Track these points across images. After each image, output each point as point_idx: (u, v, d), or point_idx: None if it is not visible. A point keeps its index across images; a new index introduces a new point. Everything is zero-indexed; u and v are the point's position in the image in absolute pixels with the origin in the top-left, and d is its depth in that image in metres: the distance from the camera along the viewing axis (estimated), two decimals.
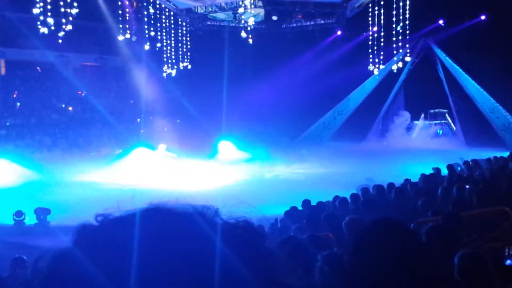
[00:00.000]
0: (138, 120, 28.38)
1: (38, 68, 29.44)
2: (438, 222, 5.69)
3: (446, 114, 32.54)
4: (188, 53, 29.69)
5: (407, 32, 27.85)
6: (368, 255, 2.03)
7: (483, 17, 29.29)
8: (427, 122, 32.67)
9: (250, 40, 27.54)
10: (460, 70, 30.54)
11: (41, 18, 22.60)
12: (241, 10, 26.11)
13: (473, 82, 30.06)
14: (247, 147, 26.09)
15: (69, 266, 0.84)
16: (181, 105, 28.31)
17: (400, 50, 28.59)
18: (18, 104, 27.83)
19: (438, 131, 32.17)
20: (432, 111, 32.69)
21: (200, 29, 30.42)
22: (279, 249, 0.96)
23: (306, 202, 10.38)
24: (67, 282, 0.83)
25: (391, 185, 10.80)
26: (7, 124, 26.49)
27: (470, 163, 14.23)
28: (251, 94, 29.06)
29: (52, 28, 22.83)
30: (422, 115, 32.89)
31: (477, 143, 25.82)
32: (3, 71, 29.25)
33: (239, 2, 26.09)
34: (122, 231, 0.85)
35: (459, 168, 14.71)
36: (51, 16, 22.70)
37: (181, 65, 29.36)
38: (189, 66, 29.65)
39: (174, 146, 25.32)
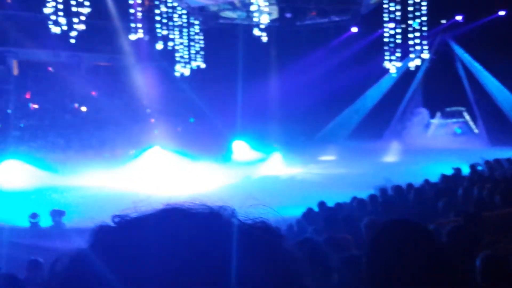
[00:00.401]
0: (152, 120, 28.37)
1: (49, 68, 29.54)
2: (460, 223, 5.58)
3: (464, 112, 32.09)
4: (201, 52, 29.55)
5: (424, 28, 27.58)
6: (384, 256, 2.02)
7: (502, 13, 28.81)
8: (443, 120, 32.27)
9: (264, 38, 27.32)
10: (480, 67, 30.09)
11: (53, 18, 22.65)
12: (254, 8, 25.87)
13: (493, 79, 29.60)
14: (261, 146, 26.02)
15: (86, 268, 0.83)
16: (194, 105, 28.23)
17: (417, 47, 28.27)
18: (36, 106, 28.00)
19: (456, 130, 31.72)
20: (448, 109, 32.29)
21: (213, 28, 30.28)
22: (297, 251, 0.92)
23: (321, 204, 10.26)
24: (84, 284, 0.82)
25: (410, 185, 10.70)
26: (21, 125, 26.59)
27: (492, 162, 14.00)
28: (265, 93, 28.92)
29: (64, 28, 22.89)
30: (438, 114, 32.48)
31: (500, 142, 25.36)
32: (15, 71, 29.37)
33: None
34: (139, 232, 0.84)
35: (479, 168, 14.46)
36: (63, 16, 22.76)
37: (194, 64, 29.24)
38: (202, 65, 29.52)
39: (187, 146, 25.29)
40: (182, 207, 0.90)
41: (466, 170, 13.56)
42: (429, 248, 2.00)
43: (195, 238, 0.83)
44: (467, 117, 31.98)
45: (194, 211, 0.89)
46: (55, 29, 22.81)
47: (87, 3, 22.98)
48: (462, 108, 32.06)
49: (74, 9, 23.00)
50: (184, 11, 28.60)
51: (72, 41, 23.91)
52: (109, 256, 0.83)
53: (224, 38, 29.32)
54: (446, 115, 32.33)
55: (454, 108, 32.28)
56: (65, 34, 23.30)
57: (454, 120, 32.13)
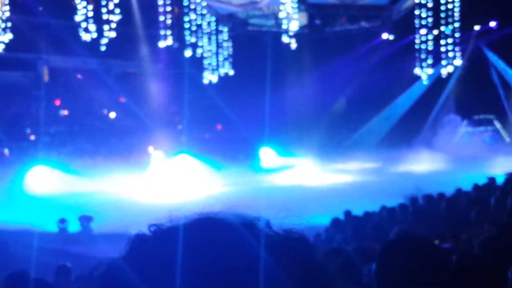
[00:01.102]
0: (179, 127, 28.52)
1: (79, 75, 30.00)
2: (493, 233, 5.36)
3: (495, 121, 31.38)
4: (229, 59, 29.64)
5: (457, 34, 27.20)
6: (391, 274, 2.01)
7: None
8: (470, 128, 31.62)
9: (293, 45, 27.25)
10: None
11: (84, 25, 22.99)
12: (283, 14, 25.85)
13: None
14: (288, 153, 25.94)
15: (122, 276, 0.85)
16: (222, 112, 28.28)
17: (450, 54, 27.90)
18: (65, 112, 28.45)
19: (486, 139, 31.03)
20: (476, 117, 31.65)
21: (242, 35, 30.36)
22: (330, 261, 0.92)
23: (347, 213, 10.21)
24: None
25: (441, 194, 10.46)
26: (51, 131, 26.99)
27: None
28: (293, 100, 28.80)
29: (94, 35, 23.21)
30: (465, 121, 31.83)
31: None
32: (46, 78, 29.87)
33: (281, 6, 25.83)
34: (174, 242, 0.85)
35: None
36: (93, 23, 23.08)
37: (222, 71, 29.33)
38: (230, 72, 29.58)
39: (214, 153, 25.35)
40: (216, 217, 0.90)
41: (500, 180, 13.20)
42: (435, 265, 1.99)
43: (229, 249, 0.84)
44: (497, 125, 31.26)
45: (228, 221, 0.89)
46: (86, 37, 23.16)
47: (117, 11, 23.23)
48: (492, 116, 31.38)
49: (104, 16, 23.30)
50: (213, 18, 28.77)
51: (102, 48, 24.22)
52: (145, 265, 0.84)
53: (253, 45, 29.39)
54: (474, 123, 31.66)
55: (482, 116, 31.63)
56: (95, 42, 23.68)
57: (482, 128, 31.41)
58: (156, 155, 26.20)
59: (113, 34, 23.66)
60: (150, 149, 25.60)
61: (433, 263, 1.98)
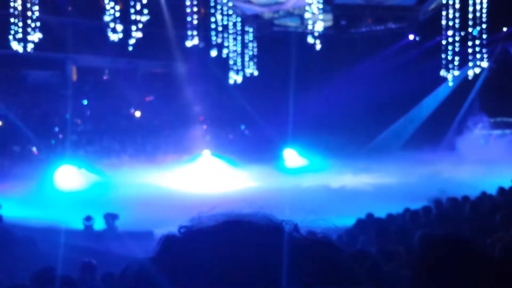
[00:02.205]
0: (204, 127, 28.69)
1: (104, 76, 30.40)
2: None
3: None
4: (255, 60, 29.73)
5: (484, 36, 26.87)
6: (432, 275, 1.92)
7: None
8: (484, 131, 31.11)
9: (318, 46, 27.20)
10: None
11: (112, 25, 23.28)
12: (308, 15, 25.83)
13: None
14: (311, 155, 25.90)
15: (153, 276, 0.86)
16: (246, 112, 28.38)
17: (477, 55, 27.56)
18: (93, 111, 28.84)
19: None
20: (493, 120, 31.16)
21: (267, 35, 30.42)
22: (355, 263, 0.93)
23: (369, 216, 10.14)
24: None
25: (466, 198, 10.44)
26: (78, 129, 27.38)
27: None
28: (318, 101, 28.72)
29: (121, 35, 23.48)
30: (480, 125, 31.31)
31: None
32: (74, 77, 30.33)
33: (307, 7, 25.83)
34: (203, 244, 0.87)
35: None
36: (121, 24, 23.35)
37: (247, 71, 29.44)
38: (255, 73, 29.66)
39: (239, 153, 25.45)
40: (245, 219, 0.92)
41: None
42: (480, 267, 1.90)
43: (257, 252, 0.86)
44: None
45: (257, 224, 0.91)
46: (113, 37, 23.42)
47: (145, 11, 23.47)
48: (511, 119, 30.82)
49: (133, 17, 23.55)
50: (239, 19, 28.90)
51: (130, 48, 24.49)
52: (174, 266, 0.86)
53: (278, 46, 29.36)
54: (491, 126, 31.10)
55: (499, 119, 31.11)
56: (122, 42, 23.93)
57: (500, 131, 30.80)
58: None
59: (139, 34, 23.89)
60: (200, 148, 25.56)
61: (479, 265, 1.91)
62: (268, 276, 0.83)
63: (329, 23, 28.97)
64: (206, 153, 25.27)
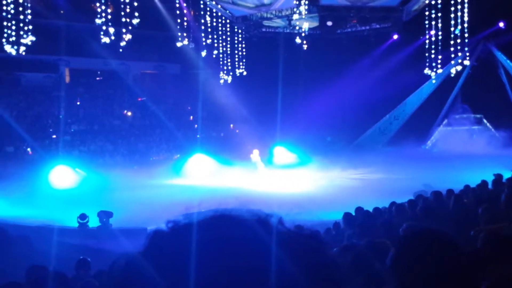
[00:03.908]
0: (196, 126, 28.81)
1: (98, 77, 30.37)
2: (499, 229, 5.70)
3: (483, 119, 31.32)
4: (244, 60, 29.99)
5: (466, 35, 27.22)
6: (408, 267, 2.01)
7: None
8: (449, 128, 31.66)
9: (305, 46, 27.54)
10: None
11: (104, 28, 23.39)
12: (296, 16, 26.15)
13: None
14: (300, 152, 26.12)
15: (141, 270, 0.89)
16: (237, 112, 28.61)
17: (459, 54, 27.93)
18: (85, 112, 28.79)
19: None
20: (458, 116, 31.72)
21: (255, 36, 30.65)
22: (340, 256, 1.01)
23: (359, 209, 10.23)
24: (139, 285, 0.88)
25: (450, 191, 10.50)
26: (71, 130, 27.42)
27: None
28: (306, 100, 29.04)
29: (113, 38, 23.56)
30: (445, 121, 31.85)
31: None
32: (67, 79, 30.35)
33: (294, 8, 26.14)
34: (190, 238, 0.89)
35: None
36: (112, 26, 23.45)
37: (237, 71, 29.71)
38: (245, 73, 29.94)
39: (229, 151, 25.64)
40: (231, 214, 0.94)
41: (507, 177, 13.36)
42: (452, 258, 1.99)
43: (243, 245, 0.88)
44: (488, 124, 31.06)
45: (243, 218, 0.93)
46: (105, 39, 23.52)
47: (136, 14, 23.63)
48: (480, 115, 31.30)
49: (123, 19, 23.70)
50: (228, 20, 29.12)
51: (121, 50, 24.59)
52: (162, 260, 0.88)
53: (266, 46, 29.62)
54: (455, 122, 31.64)
55: (465, 115, 31.64)
56: (114, 44, 23.99)
57: (467, 127, 31.27)
58: (174, 153, 26.57)
59: (129, 36, 23.99)
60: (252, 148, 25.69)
61: (451, 255, 1.99)
62: (254, 269, 0.85)
63: (316, 24, 29.25)
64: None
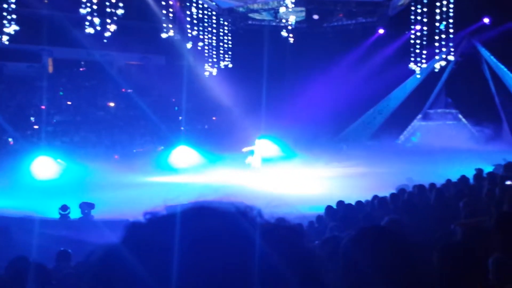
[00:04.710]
0: (180, 118, 28.76)
1: (81, 67, 30.15)
2: (478, 223, 5.71)
3: (459, 115, 31.57)
4: (229, 52, 29.92)
5: (451, 30, 27.43)
6: (357, 264, 2.06)
7: None
8: (423, 123, 31.90)
9: (291, 39, 27.56)
10: (505, 69, 29.87)
11: (88, 18, 23.21)
12: (282, 9, 26.15)
13: None
14: (284, 145, 26.15)
15: (118, 262, 0.88)
16: (221, 104, 28.57)
17: (443, 49, 28.14)
18: (69, 103, 28.56)
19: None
20: (432, 111, 31.96)
21: (241, 28, 30.61)
22: (321, 249, 1.00)
23: (340, 203, 10.26)
24: (116, 277, 0.87)
25: (432, 185, 10.55)
26: (54, 121, 27.20)
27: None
28: (291, 93, 29.06)
29: (98, 28, 23.41)
30: (419, 116, 32.06)
31: None
32: (50, 69, 30.10)
33: (280, 1, 26.13)
34: (168, 230, 0.88)
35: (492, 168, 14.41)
36: (97, 16, 23.27)
37: (222, 64, 29.62)
38: (230, 65, 29.87)
39: (213, 144, 25.61)
40: (210, 206, 0.94)
41: (488, 171, 13.48)
42: (398, 254, 2.03)
43: (221, 237, 0.87)
44: (463, 119, 31.28)
45: (222, 210, 0.93)
46: (89, 29, 23.35)
47: (121, 4, 23.46)
48: (455, 111, 31.56)
49: (108, 9, 23.53)
50: (214, 12, 29.00)
51: (105, 40, 24.42)
52: (139, 251, 0.87)
53: (252, 39, 29.54)
54: (429, 118, 31.87)
55: (440, 110, 31.90)
56: (98, 34, 23.80)
57: (440, 122, 31.48)
58: (157, 145, 26.45)
59: (114, 27, 23.83)
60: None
61: (396, 254, 2.03)
62: (233, 260, 0.85)
63: (302, 17, 29.26)
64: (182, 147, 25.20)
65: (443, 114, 31.77)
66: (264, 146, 26.75)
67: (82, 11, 23.02)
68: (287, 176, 21.04)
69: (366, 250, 2.07)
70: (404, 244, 2.10)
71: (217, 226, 0.89)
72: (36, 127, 26.31)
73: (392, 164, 21.19)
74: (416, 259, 2.07)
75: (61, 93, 28.94)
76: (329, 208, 9.83)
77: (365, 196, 11.25)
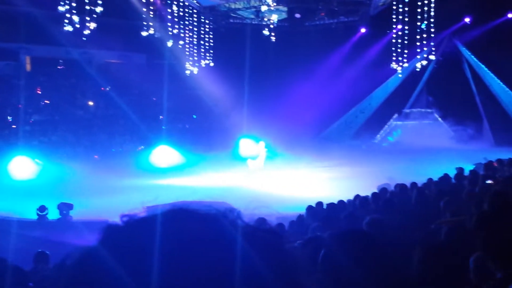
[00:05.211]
0: (161, 117, 28.58)
1: (59, 65, 29.83)
2: (460, 222, 5.59)
3: (435, 114, 31.76)
4: (211, 51, 29.75)
5: (432, 30, 27.60)
6: (337, 269, 2.11)
7: (510, 15, 28.82)
8: (399, 122, 32.07)
9: (273, 38, 27.51)
10: (486, 69, 30.12)
11: (67, 15, 22.93)
12: (264, 8, 26.07)
13: (498, 81, 29.65)
14: (267, 144, 26.09)
15: (94, 265, 0.86)
16: (203, 103, 28.40)
17: (425, 48, 28.29)
18: (47, 102, 28.23)
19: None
20: (408, 110, 32.15)
21: (223, 27, 30.49)
22: (303, 249, 0.95)
23: (319, 204, 10.23)
24: (91, 280, 0.85)
25: (413, 184, 10.63)
26: (32, 120, 26.85)
27: (495, 163, 13.98)
28: (274, 92, 28.99)
29: (77, 26, 23.15)
30: (396, 115, 32.22)
31: (505, 143, 25.43)
32: (28, 67, 29.73)
33: None
34: (146, 232, 0.87)
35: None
36: (76, 14, 23.01)
37: (203, 62, 29.44)
38: (212, 64, 29.71)
39: (195, 143, 25.46)
40: (189, 208, 0.93)
41: (468, 170, 13.55)
42: (371, 255, 2.12)
43: (200, 239, 0.86)
44: (440, 118, 31.46)
45: (200, 213, 0.92)
46: (68, 27, 23.10)
47: (100, 2, 23.21)
48: (430, 110, 31.74)
49: (87, 7, 23.27)
50: (195, 10, 28.80)
51: (84, 38, 24.16)
52: (116, 255, 0.85)
53: (234, 38, 29.43)
54: (405, 117, 32.05)
55: (416, 110, 32.08)
56: (77, 32, 23.56)
57: (415, 121, 31.65)
58: (138, 145, 26.25)
59: (94, 25, 23.60)
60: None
61: (369, 254, 2.13)
62: (210, 262, 0.83)
63: (284, 16, 29.22)
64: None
65: (419, 113, 31.92)
66: (245, 146, 26.68)
67: (61, 8, 22.81)
68: (268, 176, 20.96)
69: (346, 254, 2.13)
70: (384, 247, 2.17)
71: (195, 229, 0.88)
72: (13, 126, 25.98)
73: (373, 163, 21.22)
74: (396, 261, 2.14)
75: (39, 92, 28.53)
76: (310, 208, 9.82)
77: (347, 195, 11.22)
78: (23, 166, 22.11)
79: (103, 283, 0.83)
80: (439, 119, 31.29)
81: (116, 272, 0.83)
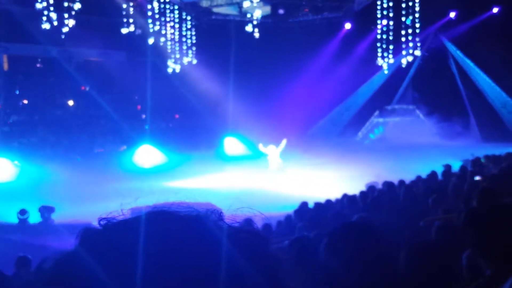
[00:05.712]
0: (143, 116, 28.35)
1: (38, 64, 29.51)
2: (449, 220, 5.58)
3: (417, 110, 31.73)
4: (193, 48, 29.44)
5: (417, 25, 27.61)
6: (338, 258, 2.17)
7: (495, 10, 28.86)
8: (381, 119, 32.05)
9: (256, 35, 27.29)
10: (472, 64, 30.16)
11: (45, 13, 22.62)
12: (246, 4, 25.82)
13: (485, 76, 29.69)
14: (251, 144, 26.01)
15: (72, 270, 0.83)
16: (186, 101, 28.16)
17: (410, 44, 28.28)
18: (25, 102, 27.92)
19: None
20: (389, 107, 32.14)
21: (205, 23, 30.19)
22: (290, 249, 1.11)
23: (304, 204, 10.18)
24: (69, 284, 0.83)
25: (401, 182, 10.66)
26: (10, 121, 26.53)
27: (482, 159, 13.97)
28: (258, 90, 28.84)
29: (55, 23, 22.85)
30: (377, 112, 32.17)
31: (491, 138, 25.50)
32: (6, 66, 29.36)
33: None
34: (125, 235, 0.85)
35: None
36: (54, 11, 22.71)
37: (185, 60, 29.12)
38: (194, 61, 29.42)
39: (178, 142, 25.27)
40: (169, 210, 0.90)
41: (456, 167, 13.53)
42: (375, 248, 2.18)
43: (181, 242, 0.84)
44: (421, 115, 31.43)
45: (181, 214, 0.89)
46: (46, 25, 22.80)
47: None
48: (412, 107, 31.74)
49: (65, 4, 22.95)
50: (176, 6, 28.48)
51: (63, 36, 23.85)
52: (94, 259, 0.83)
53: (216, 34, 29.22)
54: (386, 114, 32.03)
55: (397, 106, 32.09)
56: (56, 30, 23.24)
57: (397, 118, 31.64)
58: (119, 145, 25.99)
59: (72, 22, 23.32)
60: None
61: (372, 247, 2.18)
62: (191, 265, 0.82)
63: (267, 12, 29.01)
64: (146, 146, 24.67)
65: (401, 110, 31.88)
66: (230, 144, 26.59)
67: (38, 5, 22.56)
68: (254, 176, 20.83)
69: (338, 248, 2.19)
70: (376, 240, 2.23)
71: (175, 231, 0.86)
72: None
73: (361, 161, 21.15)
74: (384, 260, 2.16)
75: (17, 91, 28.14)
76: (298, 207, 9.87)
77: (336, 193, 11.24)
78: (2, 168, 21.86)
79: (80, 287, 0.81)
80: (421, 115, 31.24)
81: (93, 277, 0.80)
